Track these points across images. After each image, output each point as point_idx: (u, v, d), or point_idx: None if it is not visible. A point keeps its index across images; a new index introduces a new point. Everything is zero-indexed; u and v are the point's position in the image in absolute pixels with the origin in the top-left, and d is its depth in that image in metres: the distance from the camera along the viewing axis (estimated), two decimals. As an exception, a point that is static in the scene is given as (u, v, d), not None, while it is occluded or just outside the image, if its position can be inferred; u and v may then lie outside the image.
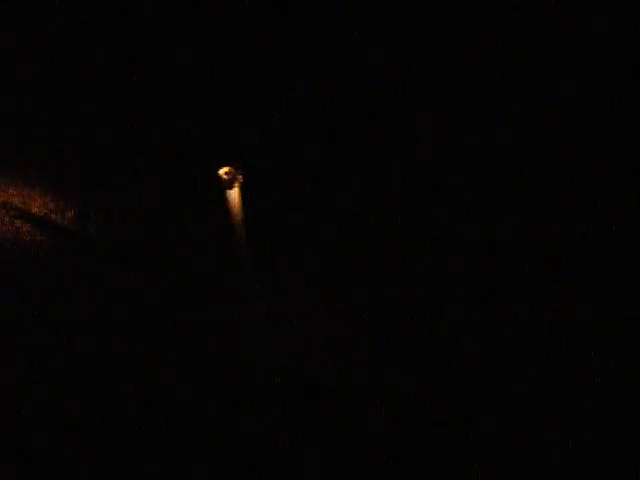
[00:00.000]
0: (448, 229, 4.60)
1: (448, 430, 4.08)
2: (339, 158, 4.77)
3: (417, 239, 4.58)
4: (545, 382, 4.22)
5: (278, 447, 4.00)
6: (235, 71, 4.79)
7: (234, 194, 4.20)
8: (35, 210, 4.70)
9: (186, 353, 4.38)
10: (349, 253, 4.60)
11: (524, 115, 5.04)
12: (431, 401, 4.18)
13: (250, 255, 4.39)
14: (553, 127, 4.96)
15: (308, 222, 4.62)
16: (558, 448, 3.98)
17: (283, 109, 4.78)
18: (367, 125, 4.89)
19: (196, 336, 4.42)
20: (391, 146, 4.87)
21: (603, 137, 4.90)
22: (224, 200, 4.15)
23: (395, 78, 5.14)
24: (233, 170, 4.10)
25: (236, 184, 4.17)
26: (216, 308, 4.48)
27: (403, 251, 4.57)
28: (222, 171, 4.13)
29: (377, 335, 4.40)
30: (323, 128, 4.82)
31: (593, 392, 4.16)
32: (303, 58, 5.00)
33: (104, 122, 4.92)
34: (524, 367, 4.29)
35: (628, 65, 5.07)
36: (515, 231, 4.67)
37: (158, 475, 3.90)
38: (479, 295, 4.49)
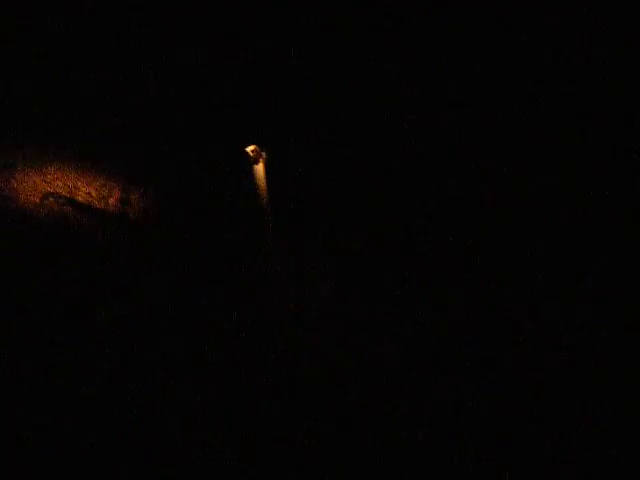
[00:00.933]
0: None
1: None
2: (357, 140, 5.45)
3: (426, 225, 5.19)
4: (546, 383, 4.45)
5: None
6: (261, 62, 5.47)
7: (260, 169, 5.01)
8: (80, 199, 5.34)
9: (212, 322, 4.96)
10: (361, 226, 5.29)
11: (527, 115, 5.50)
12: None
13: (273, 224, 5.15)
14: (554, 127, 5.39)
15: (325, 195, 5.38)
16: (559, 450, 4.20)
17: (304, 94, 5.51)
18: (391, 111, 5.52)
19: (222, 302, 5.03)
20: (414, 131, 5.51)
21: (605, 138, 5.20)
22: (251, 174, 4.95)
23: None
24: (258, 148, 4.92)
25: (261, 160, 4.99)
26: (241, 274, 5.14)
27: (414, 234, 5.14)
28: (249, 149, 4.95)
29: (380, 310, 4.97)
30: (344, 111, 5.44)
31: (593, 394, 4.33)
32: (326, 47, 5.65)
33: (138, 114, 5.66)
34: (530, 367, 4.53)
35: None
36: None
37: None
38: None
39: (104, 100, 5.64)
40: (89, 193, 5.39)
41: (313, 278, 5.18)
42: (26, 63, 5.59)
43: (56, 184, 5.43)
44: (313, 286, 5.15)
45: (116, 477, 4.30)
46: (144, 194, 5.42)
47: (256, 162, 4.99)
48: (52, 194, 5.38)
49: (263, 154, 4.97)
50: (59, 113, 5.66)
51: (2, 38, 5.50)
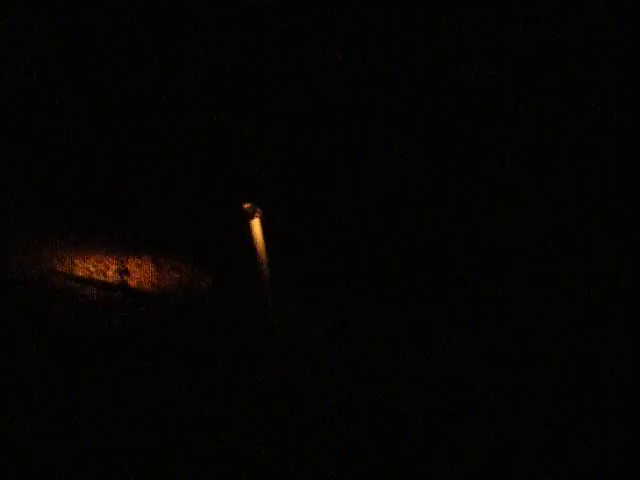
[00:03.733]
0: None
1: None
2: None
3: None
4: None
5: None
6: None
7: (256, 224, 4.91)
8: (79, 273, 5.28)
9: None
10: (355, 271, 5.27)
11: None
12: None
13: (270, 276, 5.04)
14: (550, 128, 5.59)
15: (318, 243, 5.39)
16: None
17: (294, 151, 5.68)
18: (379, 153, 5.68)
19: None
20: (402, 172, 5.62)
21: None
22: (249, 229, 4.86)
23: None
24: (253, 204, 4.84)
25: (257, 215, 4.90)
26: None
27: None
28: (246, 205, 4.87)
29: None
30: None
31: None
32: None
33: (131, 187, 5.66)
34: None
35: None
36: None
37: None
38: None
39: (91, 179, 5.68)
40: (87, 268, 5.32)
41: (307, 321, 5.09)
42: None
43: (54, 263, 5.38)
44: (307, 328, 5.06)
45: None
46: (141, 262, 5.34)
47: (252, 217, 4.91)
48: (52, 271, 5.33)
49: (259, 210, 4.90)
50: (48, 196, 5.68)
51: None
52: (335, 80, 5.98)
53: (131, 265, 5.36)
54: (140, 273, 5.31)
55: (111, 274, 5.31)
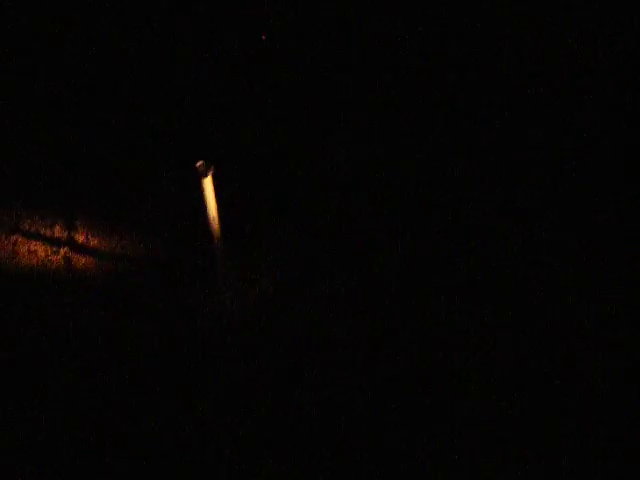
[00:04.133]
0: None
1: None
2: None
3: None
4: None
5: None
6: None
7: (208, 182, 4.97)
8: (26, 227, 5.22)
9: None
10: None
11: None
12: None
13: (222, 235, 5.10)
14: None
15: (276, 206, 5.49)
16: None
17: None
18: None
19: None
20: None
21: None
22: (201, 188, 4.92)
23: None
24: (205, 162, 4.90)
25: (209, 174, 4.96)
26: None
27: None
28: (198, 164, 4.93)
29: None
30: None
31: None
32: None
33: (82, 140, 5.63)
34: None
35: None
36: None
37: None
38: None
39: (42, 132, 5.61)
40: (34, 220, 5.27)
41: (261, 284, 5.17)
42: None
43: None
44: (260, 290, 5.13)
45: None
46: (91, 219, 5.32)
47: (205, 175, 4.97)
48: (-3, 223, 5.26)
49: (211, 167, 4.96)
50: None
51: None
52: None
53: (80, 221, 5.32)
54: (89, 230, 5.29)
55: (59, 229, 5.27)
